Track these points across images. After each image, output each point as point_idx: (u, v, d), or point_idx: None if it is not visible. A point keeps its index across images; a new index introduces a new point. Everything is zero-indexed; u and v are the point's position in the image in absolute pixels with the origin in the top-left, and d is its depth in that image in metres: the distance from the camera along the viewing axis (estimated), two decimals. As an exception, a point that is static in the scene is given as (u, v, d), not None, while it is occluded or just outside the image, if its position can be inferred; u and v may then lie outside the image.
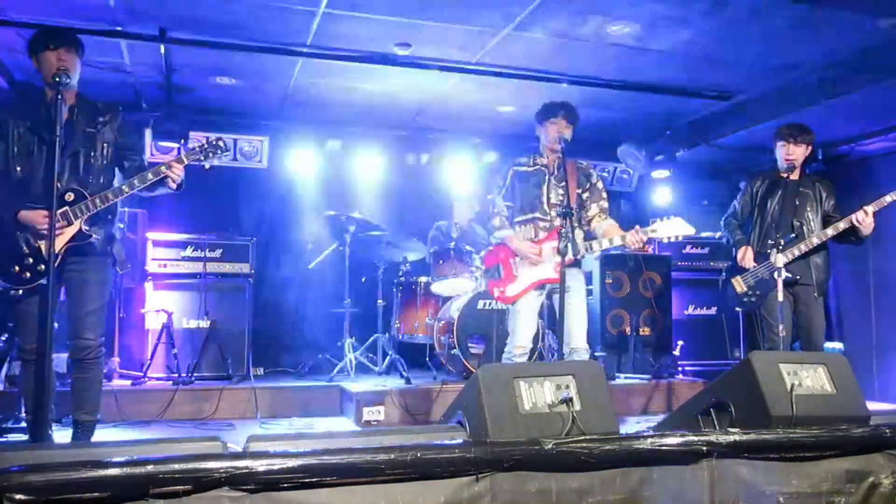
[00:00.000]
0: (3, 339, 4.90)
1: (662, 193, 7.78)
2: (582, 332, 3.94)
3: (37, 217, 3.22)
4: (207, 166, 3.48)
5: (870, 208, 4.19)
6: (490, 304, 5.60)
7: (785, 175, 4.52)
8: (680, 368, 6.50)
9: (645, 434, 2.59)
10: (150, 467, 1.98)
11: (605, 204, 4.15)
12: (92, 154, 3.40)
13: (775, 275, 4.13)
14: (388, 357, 5.87)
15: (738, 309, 4.65)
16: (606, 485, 2.42)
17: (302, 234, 7.04)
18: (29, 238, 3.27)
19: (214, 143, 3.48)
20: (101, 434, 3.72)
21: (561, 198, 4.00)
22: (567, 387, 2.63)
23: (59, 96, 3.11)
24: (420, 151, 7.13)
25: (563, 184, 3.99)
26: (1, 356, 4.89)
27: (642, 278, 6.48)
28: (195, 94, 5.93)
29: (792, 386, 2.86)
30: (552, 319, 4.03)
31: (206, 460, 2.05)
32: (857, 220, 4.20)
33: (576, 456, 2.36)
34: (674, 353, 6.52)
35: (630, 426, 4.94)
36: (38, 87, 3.40)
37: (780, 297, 4.12)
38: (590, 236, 4.11)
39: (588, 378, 2.69)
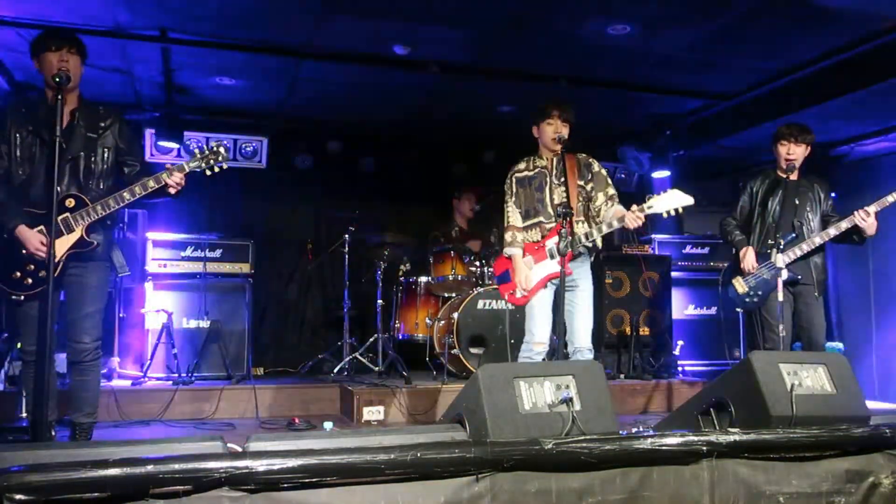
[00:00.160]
0: (3, 339, 4.91)
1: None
2: (587, 331, 3.94)
3: (33, 241, 3.21)
4: (209, 173, 3.47)
5: (871, 208, 4.19)
6: (490, 303, 5.60)
7: (785, 175, 4.51)
8: (680, 368, 6.50)
9: (645, 434, 2.59)
10: (150, 467, 1.98)
11: (612, 190, 4.12)
12: (93, 159, 3.39)
13: (776, 275, 4.13)
14: (388, 357, 5.87)
15: (739, 310, 4.65)
16: (606, 485, 2.42)
17: (302, 234, 7.04)
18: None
19: (216, 149, 3.46)
20: (101, 434, 3.72)
21: (563, 197, 3.99)
22: (567, 387, 2.63)
23: (59, 96, 3.11)
24: (420, 151, 7.13)
25: (564, 180, 3.98)
26: (1, 356, 4.89)
27: (642, 278, 6.48)
28: (195, 94, 5.93)
29: (792, 386, 2.85)
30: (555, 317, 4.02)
31: (206, 460, 2.05)
32: (860, 220, 4.20)
33: (576, 456, 2.36)
34: (674, 353, 6.52)
35: (630, 426, 4.94)
36: (40, 88, 3.40)
37: (781, 297, 4.12)
38: None
39: (588, 378, 2.69)
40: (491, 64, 5.28)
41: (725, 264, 4.80)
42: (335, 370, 5.75)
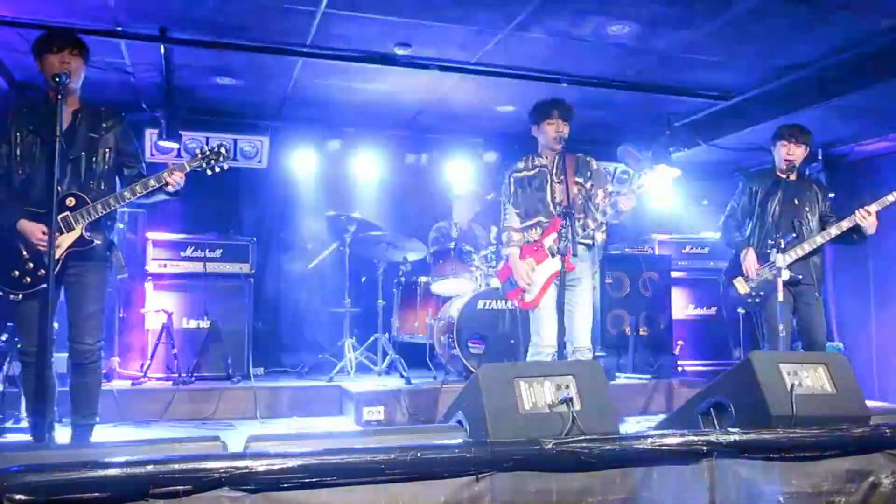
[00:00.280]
0: (3, 339, 4.90)
1: (662, 193, 7.77)
2: (586, 331, 3.93)
3: (35, 231, 3.22)
4: (210, 172, 3.47)
5: (872, 207, 4.20)
6: (490, 303, 5.60)
7: (784, 175, 4.52)
8: (680, 368, 6.50)
9: (645, 434, 2.59)
10: (150, 467, 1.98)
11: (611, 187, 4.13)
12: (94, 159, 3.40)
13: (777, 275, 4.13)
14: (388, 357, 5.87)
15: (740, 310, 4.65)
16: (606, 485, 2.42)
17: (302, 234, 7.04)
18: (30, 243, 3.27)
19: (217, 149, 3.46)
20: (101, 434, 3.72)
21: (564, 196, 3.98)
22: (567, 387, 2.63)
23: (60, 96, 3.11)
24: (420, 151, 7.14)
25: (564, 178, 3.98)
26: (1, 356, 4.89)
27: (642, 278, 6.48)
28: (195, 94, 5.94)
29: (792, 386, 2.85)
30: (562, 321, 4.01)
31: (206, 460, 2.05)
32: (861, 219, 4.20)
33: (576, 456, 2.36)
34: (674, 353, 6.52)
35: (630, 426, 4.94)
36: (41, 88, 3.40)
37: (781, 298, 4.12)
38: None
39: (588, 378, 2.69)
40: (491, 64, 5.28)
41: (726, 264, 4.80)
42: (335, 370, 5.75)
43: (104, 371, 5.05)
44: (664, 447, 2.48)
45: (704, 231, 7.16)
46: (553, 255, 3.92)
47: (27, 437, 3.67)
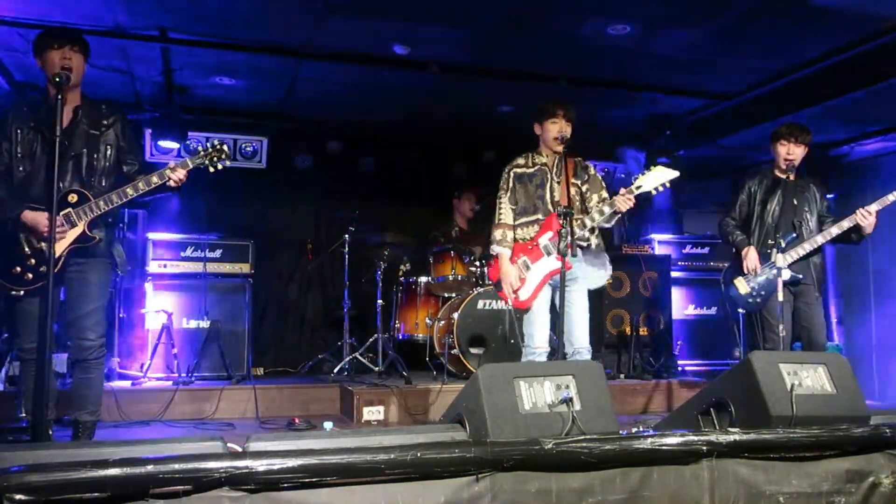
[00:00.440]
0: (3, 338, 4.90)
1: (663, 193, 7.77)
2: (585, 331, 3.93)
3: (40, 220, 3.22)
4: (212, 169, 3.48)
5: (873, 207, 4.20)
6: (490, 303, 5.60)
7: (784, 175, 4.52)
8: (680, 368, 6.49)
9: (645, 434, 2.59)
10: (150, 467, 1.98)
11: (605, 194, 4.15)
12: (95, 156, 3.40)
13: (777, 275, 4.13)
14: (388, 357, 5.87)
15: (741, 310, 4.64)
16: (606, 485, 2.42)
17: (302, 234, 7.04)
18: (31, 239, 3.26)
19: (219, 146, 3.47)
20: (101, 434, 3.72)
21: (563, 195, 3.99)
22: (567, 387, 2.63)
23: (59, 95, 3.11)
24: (420, 150, 7.13)
25: (563, 178, 3.98)
26: (1, 356, 4.89)
27: (642, 278, 6.48)
28: (195, 94, 5.93)
29: (792, 386, 2.85)
30: (555, 317, 4.01)
31: (206, 460, 2.04)
32: (861, 219, 4.20)
33: (576, 456, 2.36)
34: (674, 353, 6.52)
35: (630, 426, 4.94)
36: (41, 87, 3.40)
37: (781, 297, 4.12)
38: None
39: (588, 378, 2.69)
40: (491, 64, 5.28)
41: (726, 264, 4.80)
42: (335, 370, 5.75)
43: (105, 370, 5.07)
44: (664, 447, 2.48)
45: (704, 231, 7.16)
46: (549, 254, 3.92)
47: (27, 437, 3.67)
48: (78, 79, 3.37)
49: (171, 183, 3.36)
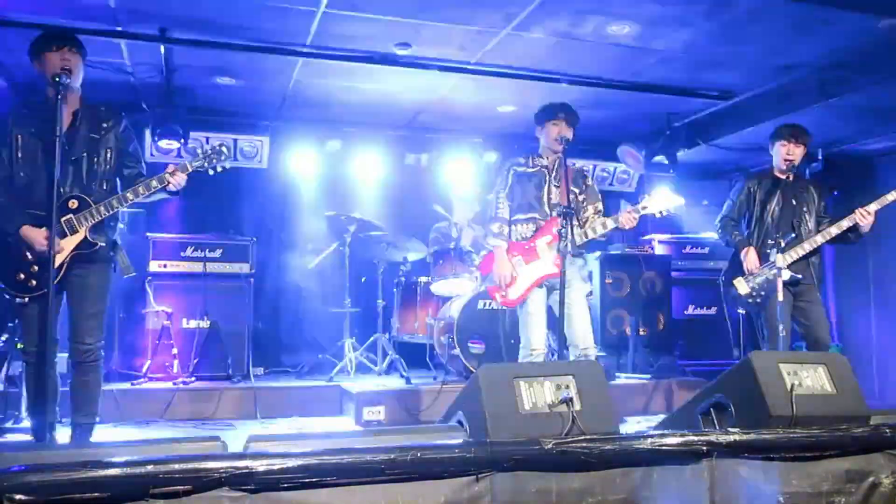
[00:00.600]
0: (3, 339, 4.90)
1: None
2: (588, 331, 3.93)
3: (37, 238, 3.21)
4: (211, 172, 3.47)
5: (872, 207, 4.20)
6: (490, 304, 5.60)
7: (783, 176, 4.52)
8: (680, 368, 6.50)
9: (645, 434, 2.59)
10: (150, 467, 1.98)
11: (601, 206, 4.19)
12: (95, 160, 3.39)
13: (777, 275, 4.13)
14: (388, 357, 5.87)
15: (740, 310, 4.64)
16: (606, 485, 2.42)
17: (302, 234, 7.04)
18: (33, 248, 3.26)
19: (218, 149, 3.46)
20: (101, 434, 3.72)
21: (561, 198, 4.01)
22: (567, 387, 2.63)
23: (59, 97, 3.10)
24: (420, 151, 7.13)
25: (563, 181, 3.99)
26: (1, 356, 4.89)
27: (642, 278, 6.48)
28: (195, 94, 5.93)
29: (792, 386, 2.85)
30: (552, 319, 4.01)
31: (206, 460, 2.04)
32: (860, 218, 4.20)
33: (576, 456, 2.36)
34: (674, 353, 6.52)
35: (630, 426, 4.94)
36: (40, 90, 3.39)
37: (781, 297, 4.12)
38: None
39: (588, 378, 2.69)
40: (491, 64, 5.28)
41: (725, 264, 4.80)
42: (335, 370, 5.75)
43: (104, 371, 5.07)
44: (664, 447, 2.48)
45: (704, 231, 7.16)
46: (544, 258, 3.93)
47: (27, 437, 3.67)
48: (77, 81, 3.36)
49: (171, 187, 3.36)
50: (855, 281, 6.90)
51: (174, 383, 5.35)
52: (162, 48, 4.90)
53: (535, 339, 3.95)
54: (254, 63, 5.23)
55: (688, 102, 6.08)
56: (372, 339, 6.03)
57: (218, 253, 5.93)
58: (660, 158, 6.77)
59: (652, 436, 2.53)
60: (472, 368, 5.42)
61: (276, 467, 2.08)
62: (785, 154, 4.45)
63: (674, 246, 7.04)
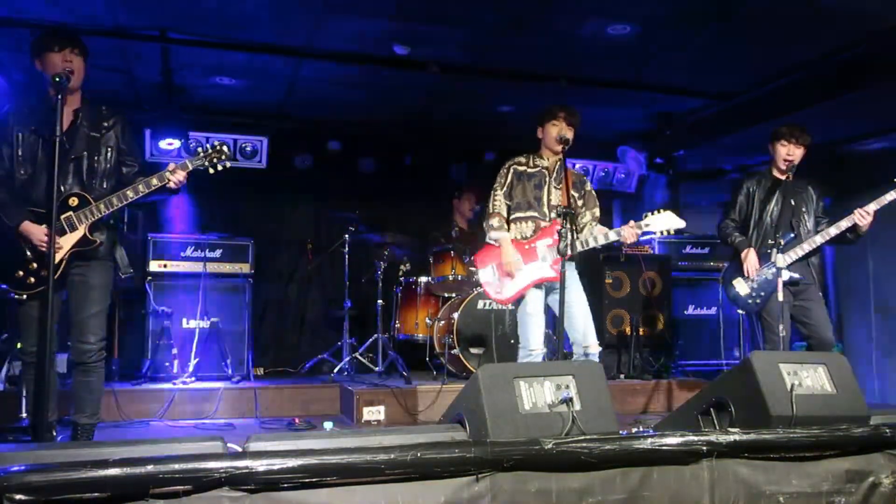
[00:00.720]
0: (3, 339, 4.90)
1: (662, 193, 7.78)
2: (591, 328, 3.94)
3: (37, 234, 3.21)
4: (212, 171, 3.47)
5: (871, 207, 4.20)
6: (490, 304, 5.60)
7: (783, 176, 4.51)
8: (680, 368, 6.49)
9: (645, 434, 2.59)
10: (150, 467, 1.98)
11: (598, 212, 4.22)
12: (96, 158, 3.39)
13: (777, 275, 4.13)
14: (388, 357, 5.87)
15: (741, 311, 4.64)
16: (606, 485, 2.42)
17: (302, 234, 7.04)
18: (33, 245, 3.26)
19: (219, 148, 3.46)
20: (101, 434, 3.72)
21: (561, 199, 4.01)
22: (567, 387, 2.63)
23: (59, 97, 3.10)
24: (420, 150, 7.13)
25: (563, 186, 4.00)
26: (1, 356, 4.89)
27: (642, 278, 6.48)
28: (195, 94, 5.94)
29: (792, 386, 2.85)
30: (552, 320, 4.02)
31: (206, 460, 2.04)
32: (860, 218, 4.20)
33: (576, 456, 2.36)
34: (674, 353, 6.52)
35: (630, 426, 4.94)
36: (42, 89, 3.40)
37: (781, 298, 4.12)
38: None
39: (588, 378, 2.69)
40: (491, 64, 5.28)
41: (725, 264, 4.80)
42: (335, 370, 5.75)
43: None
44: (664, 447, 2.48)
45: (704, 231, 7.16)
46: (543, 260, 3.94)
47: (27, 437, 3.67)
48: (79, 81, 3.36)
49: (171, 185, 3.36)
50: (855, 281, 6.90)
51: (174, 383, 5.35)
52: (162, 48, 4.90)
53: (533, 340, 3.95)
54: (254, 63, 5.23)
55: (688, 102, 6.08)
56: (372, 339, 6.03)
57: (218, 253, 5.93)
58: (659, 160, 6.79)
59: (652, 436, 2.53)
60: (472, 368, 5.42)
61: (276, 467, 2.08)
62: (785, 154, 4.45)
63: (674, 246, 7.03)
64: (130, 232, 5.91)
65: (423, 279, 6.10)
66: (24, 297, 3.25)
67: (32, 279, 3.25)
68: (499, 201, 4.14)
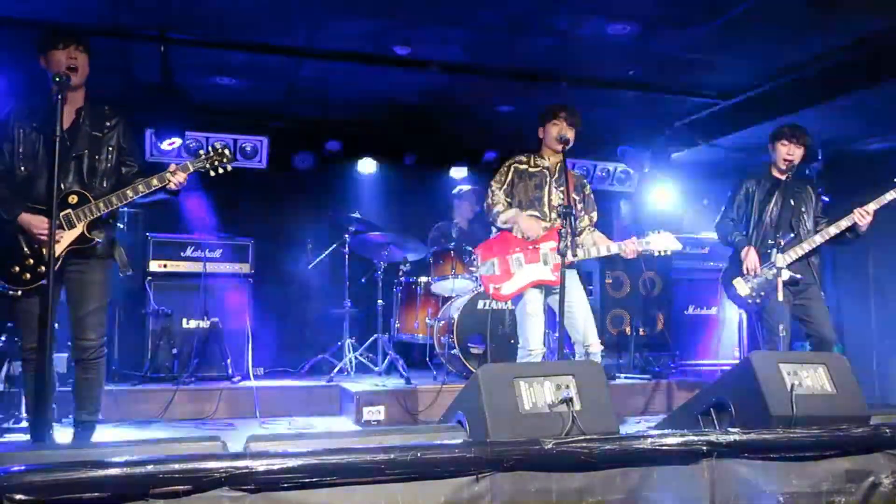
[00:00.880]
0: (3, 339, 4.90)
1: (662, 193, 7.79)
2: (594, 331, 3.94)
3: (36, 222, 3.21)
4: (213, 174, 3.47)
5: (871, 206, 4.21)
6: (490, 304, 5.60)
7: (783, 176, 4.51)
8: (680, 368, 6.50)
9: (645, 434, 2.59)
10: (150, 467, 1.98)
11: (595, 216, 4.23)
12: (97, 158, 3.39)
13: (777, 275, 4.13)
14: (388, 357, 5.87)
15: (741, 311, 4.65)
16: (606, 485, 2.42)
17: (302, 234, 7.03)
18: (30, 239, 3.26)
19: (220, 150, 3.46)
20: (101, 434, 3.72)
21: (562, 200, 4.01)
22: (567, 387, 2.63)
23: (59, 95, 3.10)
24: (421, 151, 7.13)
25: (564, 187, 4.00)
26: (1, 356, 4.88)
27: (642, 278, 6.48)
28: (195, 94, 5.93)
29: (792, 386, 2.86)
30: (552, 320, 4.02)
31: (206, 460, 2.05)
32: (859, 218, 4.20)
33: (576, 456, 2.37)
34: (674, 353, 6.52)
35: (630, 426, 4.94)
36: (46, 87, 3.40)
37: (781, 297, 4.12)
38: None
39: (588, 378, 2.69)
40: (491, 64, 5.28)
41: (725, 264, 4.80)
42: (335, 370, 5.75)
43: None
44: (664, 447, 2.48)
45: (704, 231, 7.16)
46: (546, 264, 3.94)
47: (27, 437, 3.67)
48: (82, 79, 3.36)
49: (171, 186, 3.36)
50: (855, 281, 6.90)
51: (174, 383, 5.35)
52: (162, 48, 4.89)
53: (533, 340, 3.95)
54: (254, 63, 5.23)
55: (688, 102, 6.09)
56: (372, 339, 6.03)
57: (218, 253, 5.93)
58: (659, 161, 6.79)
59: (652, 436, 2.54)
60: (472, 368, 5.42)
61: (276, 467, 2.08)
62: (785, 154, 4.45)
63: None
64: (130, 232, 5.91)
65: (423, 279, 6.10)
66: (19, 293, 3.25)
67: (28, 275, 3.24)
68: (497, 196, 4.13)
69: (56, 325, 3.30)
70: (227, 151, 3.46)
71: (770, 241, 4.31)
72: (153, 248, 5.82)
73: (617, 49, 4.92)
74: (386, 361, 5.87)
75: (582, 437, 2.43)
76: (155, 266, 5.79)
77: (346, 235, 6.06)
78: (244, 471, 2.05)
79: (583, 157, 7.16)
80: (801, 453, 2.65)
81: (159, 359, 5.58)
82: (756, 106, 5.85)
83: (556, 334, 4.00)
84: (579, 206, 4.15)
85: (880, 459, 2.76)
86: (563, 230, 3.65)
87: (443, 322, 5.73)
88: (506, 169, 4.18)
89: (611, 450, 2.41)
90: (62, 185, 3.24)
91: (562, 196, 4.02)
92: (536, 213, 4.06)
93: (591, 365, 2.83)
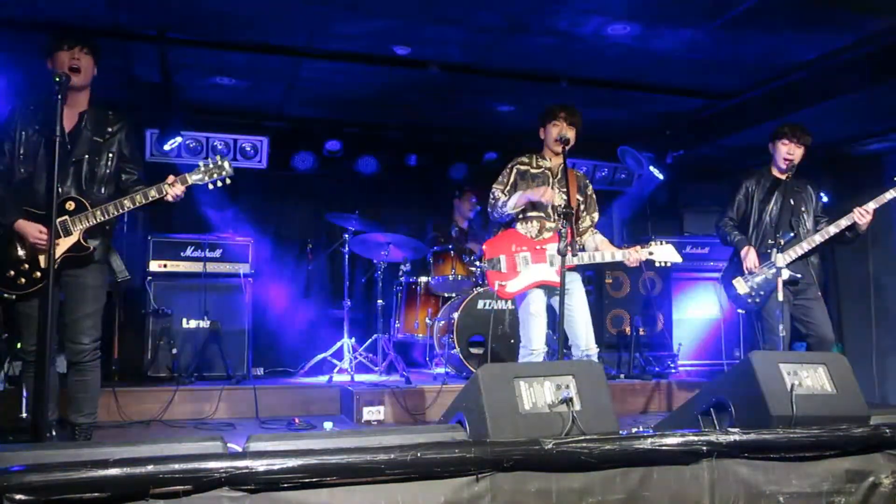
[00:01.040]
0: (3, 339, 4.90)
1: (663, 194, 7.78)
2: (591, 334, 3.94)
3: (32, 230, 3.20)
4: (211, 186, 3.47)
5: (870, 206, 4.21)
6: (490, 304, 5.60)
7: (783, 175, 4.52)
8: (680, 368, 6.50)
9: (645, 434, 2.59)
10: (150, 467, 1.98)
11: (597, 216, 4.23)
12: (97, 163, 3.38)
13: (777, 275, 4.13)
14: (388, 357, 5.87)
15: (740, 311, 4.64)
16: (606, 485, 2.42)
17: (302, 234, 7.04)
18: (26, 244, 3.25)
19: (220, 164, 3.45)
20: (101, 434, 3.73)
21: (564, 200, 4.00)
22: (567, 387, 2.63)
23: (59, 97, 3.10)
24: (420, 151, 7.13)
25: (566, 189, 3.99)
26: (1, 356, 4.88)
27: (642, 278, 6.48)
28: (195, 94, 5.93)
29: (792, 386, 2.86)
30: (554, 321, 4.01)
31: (206, 460, 2.05)
32: (859, 217, 4.21)
33: (576, 456, 2.36)
34: (674, 353, 6.52)
35: (630, 426, 4.94)
36: (51, 89, 3.39)
37: (781, 297, 4.12)
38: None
39: (588, 378, 2.69)
40: (491, 64, 5.28)
41: (725, 264, 4.80)
42: (335, 370, 5.75)
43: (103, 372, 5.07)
44: (664, 447, 2.48)
45: (704, 231, 7.16)
46: (552, 265, 3.94)
47: (27, 438, 3.66)
48: (86, 81, 3.35)
49: (169, 198, 3.35)
50: (855, 281, 6.90)
51: (174, 383, 5.35)
52: (162, 48, 4.89)
53: (535, 339, 3.95)
54: (254, 63, 5.23)
55: (688, 102, 6.08)
56: (372, 339, 6.03)
57: (218, 253, 5.93)
58: (659, 160, 6.78)
59: (652, 436, 2.53)
60: (472, 368, 5.42)
61: (276, 467, 2.08)
62: (785, 153, 4.45)
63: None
64: (130, 232, 5.91)
65: (423, 279, 6.10)
66: (14, 297, 3.24)
67: (23, 280, 3.23)
68: (499, 197, 4.11)
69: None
70: (226, 165, 3.45)
71: (770, 241, 4.31)
72: (153, 248, 5.82)
73: (617, 49, 4.92)
74: (386, 361, 5.87)
75: (582, 438, 2.43)
76: (155, 266, 5.79)
77: (346, 235, 6.06)
78: (244, 471, 2.05)
79: (583, 158, 7.16)
80: (801, 453, 2.65)
81: (159, 359, 5.57)
82: (756, 106, 5.85)
83: (557, 335, 4.00)
84: (582, 207, 4.14)
85: (880, 459, 2.76)
86: (562, 230, 3.65)
87: (443, 322, 5.73)
88: (508, 170, 4.18)
89: (611, 450, 2.41)
90: (59, 190, 3.22)
91: (564, 197, 4.01)
92: (541, 214, 4.06)
93: (591, 365, 2.83)
